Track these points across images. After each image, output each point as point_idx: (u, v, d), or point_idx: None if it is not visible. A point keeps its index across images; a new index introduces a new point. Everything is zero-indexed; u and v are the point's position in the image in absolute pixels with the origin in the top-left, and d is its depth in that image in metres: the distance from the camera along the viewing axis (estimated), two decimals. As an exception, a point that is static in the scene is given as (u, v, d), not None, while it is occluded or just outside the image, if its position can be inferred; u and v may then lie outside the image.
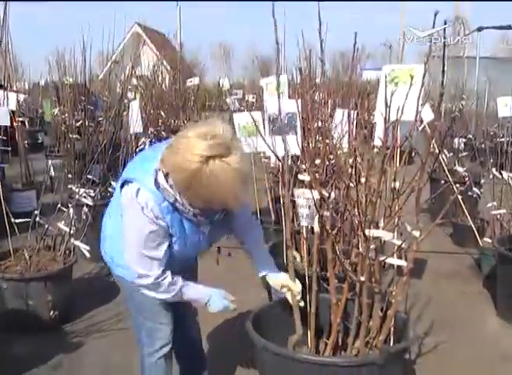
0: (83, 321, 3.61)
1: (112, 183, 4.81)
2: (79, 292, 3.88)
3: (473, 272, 4.77)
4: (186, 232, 2.00)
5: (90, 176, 4.55)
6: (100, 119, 5.64)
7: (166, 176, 1.87)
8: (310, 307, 2.30)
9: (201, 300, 2.12)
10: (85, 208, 4.06)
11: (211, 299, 2.11)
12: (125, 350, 3.16)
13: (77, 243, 3.67)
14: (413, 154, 5.35)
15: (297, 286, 2.26)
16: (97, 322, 3.58)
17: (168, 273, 2.02)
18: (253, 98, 8.29)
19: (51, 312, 3.42)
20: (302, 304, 2.28)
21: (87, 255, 3.65)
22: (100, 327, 3.50)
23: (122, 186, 1.98)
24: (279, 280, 2.27)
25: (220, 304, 2.13)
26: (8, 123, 4.72)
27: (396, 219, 2.25)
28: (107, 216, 2.23)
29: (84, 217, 4.03)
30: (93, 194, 4.24)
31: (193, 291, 2.11)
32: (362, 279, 2.04)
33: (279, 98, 2.56)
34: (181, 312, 2.37)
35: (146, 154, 2.16)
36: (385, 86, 2.06)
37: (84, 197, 4.06)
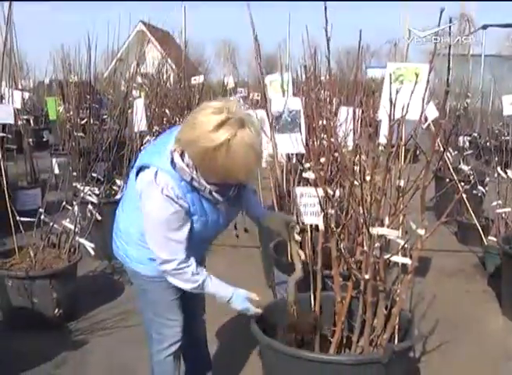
0: (87, 319, 3.61)
1: (117, 181, 4.82)
2: (83, 290, 3.87)
3: (477, 270, 4.76)
4: (205, 210, 2.02)
5: (94, 174, 4.55)
6: (105, 117, 5.66)
7: (182, 155, 1.90)
8: (314, 305, 2.30)
9: (223, 298, 2.11)
10: (90, 206, 4.06)
11: (233, 299, 2.10)
12: (129, 348, 3.16)
13: (82, 241, 3.68)
14: (418, 152, 5.34)
15: (293, 218, 2.35)
16: (101, 320, 3.57)
17: (193, 261, 2.02)
18: (257, 96, 8.28)
19: (56, 310, 3.42)
20: (298, 238, 2.34)
21: (92, 252, 3.66)
22: (104, 325, 3.50)
23: (137, 174, 1.99)
24: (276, 217, 2.39)
25: (242, 305, 2.11)
26: (13, 121, 4.73)
27: (401, 218, 2.25)
28: (119, 211, 2.23)
29: (89, 215, 4.03)
30: (97, 192, 4.24)
31: (216, 287, 2.09)
32: (367, 277, 2.04)
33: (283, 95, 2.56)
34: (191, 311, 2.37)
35: (157, 142, 2.17)
36: (390, 83, 2.06)
37: (89, 195, 4.06)
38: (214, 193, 1.98)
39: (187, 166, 1.90)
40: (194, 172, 1.91)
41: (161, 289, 2.18)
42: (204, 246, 2.26)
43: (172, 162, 1.91)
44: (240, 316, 3.44)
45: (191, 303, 2.36)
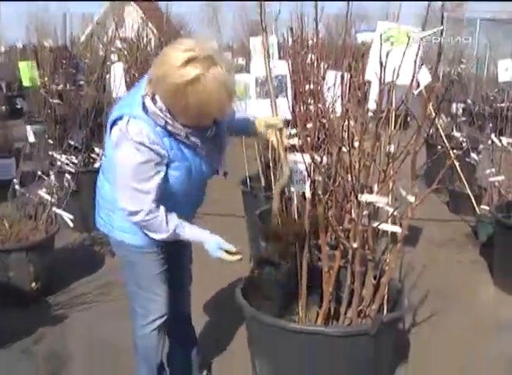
0: (66, 293, 3.55)
1: (95, 148, 4.70)
2: (62, 263, 3.80)
3: (469, 240, 4.72)
4: (186, 156, 1.97)
5: (72, 142, 4.47)
6: (81, 82, 5.46)
7: (153, 99, 1.86)
8: (301, 276, 2.21)
9: (198, 243, 2.06)
10: (67, 176, 3.97)
11: (207, 246, 2.04)
12: (109, 322, 3.11)
13: (59, 211, 3.57)
14: (409, 118, 5.21)
15: (278, 119, 2.35)
16: (80, 293, 3.52)
17: (163, 210, 1.96)
18: (242, 60, 8.10)
19: (33, 284, 3.36)
20: (287, 142, 2.35)
21: (70, 224, 3.55)
22: (84, 299, 3.45)
23: (111, 128, 1.93)
24: (261, 119, 2.33)
25: (215, 253, 2.04)
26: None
27: (391, 184, 2.17)
28: (100, 178, 2.16)
29: (66, 185, 3.93)
30: (75, 161, 4.14)
31: (189, 233, 2.03)
32: (355, 246, 1.98)
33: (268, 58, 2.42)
34: (178, 281, 2.32)
35: (126, 95, 2.15)
36: (380, 44, 1.95)
37: (66, 164, 3.95)
38: (191, 137, 1.92)
39: (160, 110, 1.86)
40: (167, 115, 1.87)
41: (147, 261, 2.13)
42: (192, 199, 2.16)
43: (144, 107, 1.86)
44: (225, 289, 3.39)
45: (178, 273, 2.32)
